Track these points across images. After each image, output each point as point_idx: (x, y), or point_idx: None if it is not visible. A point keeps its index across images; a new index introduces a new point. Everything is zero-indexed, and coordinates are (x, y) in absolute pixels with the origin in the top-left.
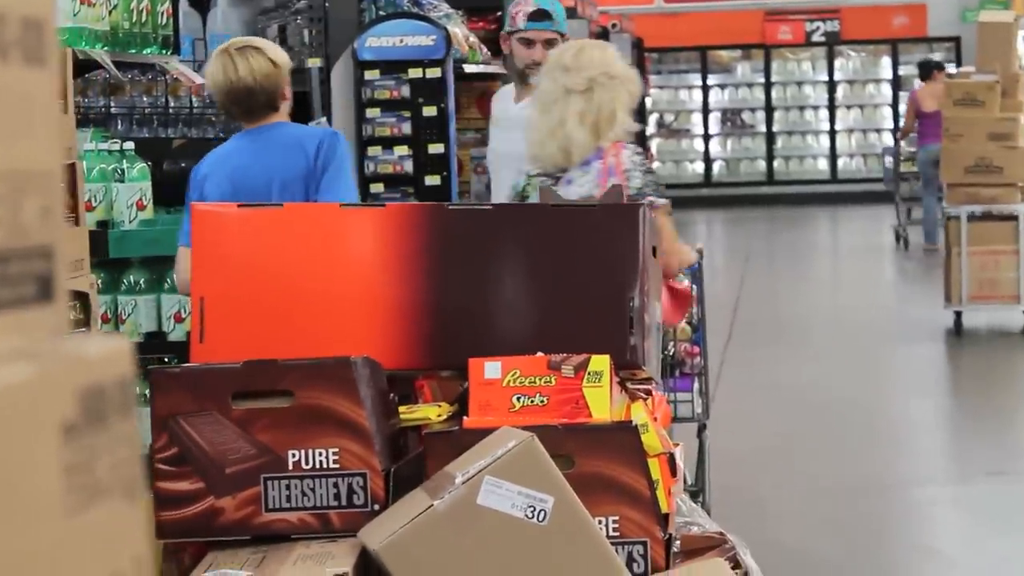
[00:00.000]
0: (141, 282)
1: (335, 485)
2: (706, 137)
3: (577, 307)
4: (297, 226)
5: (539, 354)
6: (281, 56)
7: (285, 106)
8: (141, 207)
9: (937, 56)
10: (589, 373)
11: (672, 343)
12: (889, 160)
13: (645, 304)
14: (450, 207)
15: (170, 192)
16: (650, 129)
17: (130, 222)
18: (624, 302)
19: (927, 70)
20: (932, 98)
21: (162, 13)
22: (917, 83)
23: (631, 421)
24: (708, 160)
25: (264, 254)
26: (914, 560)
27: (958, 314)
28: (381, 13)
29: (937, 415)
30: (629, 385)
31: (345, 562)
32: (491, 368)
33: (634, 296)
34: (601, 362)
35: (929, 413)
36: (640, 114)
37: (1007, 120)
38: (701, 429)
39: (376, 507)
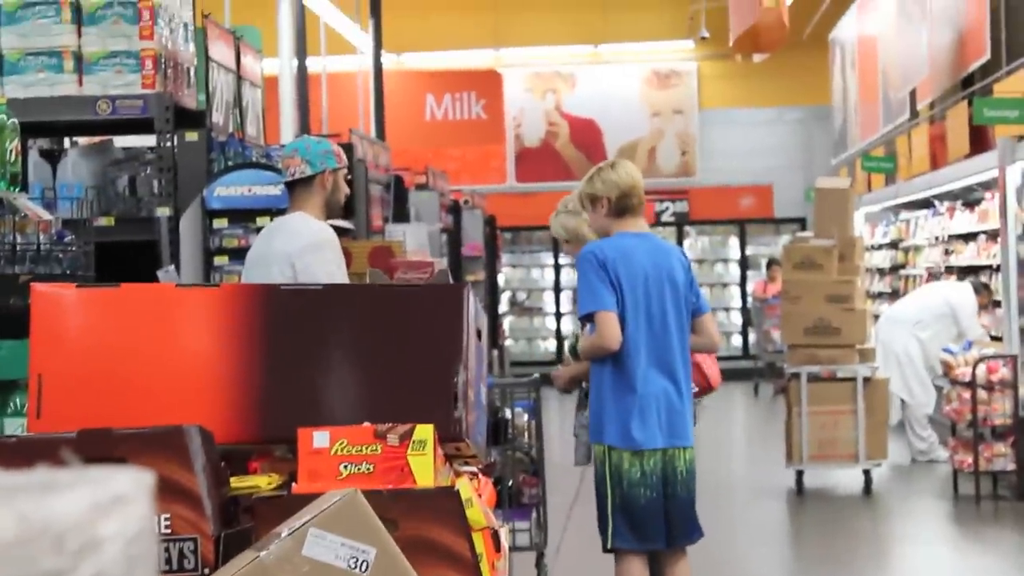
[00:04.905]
0: None
1: (166, 550)
2: (558, 315)
3: (404, 382)
4: (134, 306)
5: (366, 424)
6: None
7: None
8: None
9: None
10: (414, 442)
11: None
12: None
13: (469, 381)
14: (283, 287)
15: (17, 326)
16: (503, 307)
17: None
18: (448, 377)
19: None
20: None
21: (11, 151)
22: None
23: (453, 486)
24: (560, 338)
25: (102, 333)
26: None
27: (799, 473)
28: (230, 163)
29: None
30: (456, 465)
31: None
32: (319, 438)
33: (458, 372)
34: (425, 431)
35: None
36: (492, 292)
37: (844, 283)
38: (539, 558)
39: (207, 571)
